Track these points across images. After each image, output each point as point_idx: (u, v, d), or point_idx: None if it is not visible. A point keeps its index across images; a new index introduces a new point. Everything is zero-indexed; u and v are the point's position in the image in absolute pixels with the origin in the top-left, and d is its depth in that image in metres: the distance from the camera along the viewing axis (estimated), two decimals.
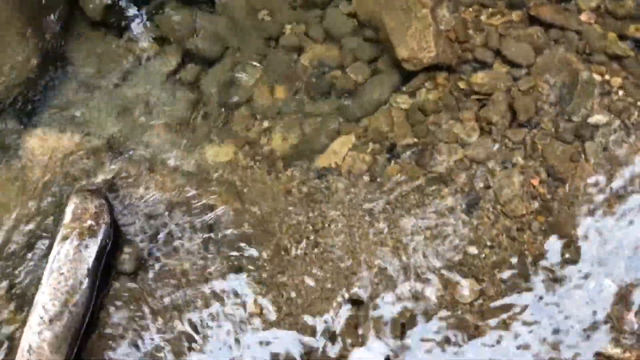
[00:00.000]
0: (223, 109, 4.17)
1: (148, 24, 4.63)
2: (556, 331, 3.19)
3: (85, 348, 3.33)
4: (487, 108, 3.87)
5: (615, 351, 3.07)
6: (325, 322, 3.35)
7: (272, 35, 4.45)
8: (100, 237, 3.39)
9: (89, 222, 3.40)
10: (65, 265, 3.22)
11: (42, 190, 3.78)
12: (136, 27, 4.63)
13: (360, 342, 3.28)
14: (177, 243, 3.64)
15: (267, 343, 3.32)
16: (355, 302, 3.40)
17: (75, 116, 4.21)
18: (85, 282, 3.25)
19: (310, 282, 3.47)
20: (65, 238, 3.32)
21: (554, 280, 3.33)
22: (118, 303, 3.46)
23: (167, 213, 3.74)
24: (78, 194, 3.59)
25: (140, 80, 4.36)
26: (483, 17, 4.25)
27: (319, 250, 3.58)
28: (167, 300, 3.45)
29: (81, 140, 4.04)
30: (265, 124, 4.08)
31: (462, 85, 3.99)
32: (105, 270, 3.51)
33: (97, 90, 4.32)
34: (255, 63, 4.32)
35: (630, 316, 3.16)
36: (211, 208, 3.75)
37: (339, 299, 3.41)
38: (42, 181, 3.81)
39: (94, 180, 3.87)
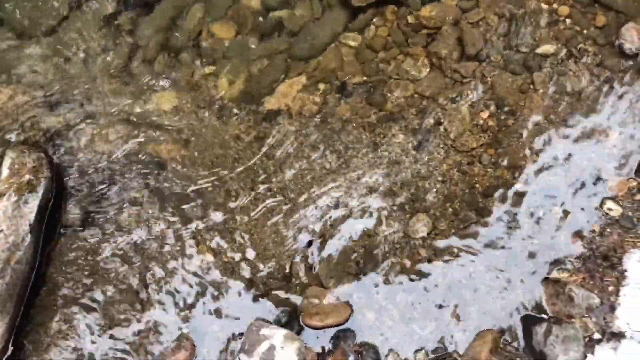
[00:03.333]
0: (165, 54, 3.99)
1: None
2: (506, 259, 3.25)
3: (34, 305, 3.25)
4: (436, 42, 3.81)
5: (563, 275, 3.15)
6: (282, 264, 3.34)
7: None
8: (40, 191, 3.26)
9: (27, 176, 3.25)
10: (4, 222, 3.09)
11: None
12: None
13: (317, 281, 3.28)
14: (124, 194, 3.53)
15: (222, 290, 3.29)
16: (310, 243, 3.38)
17: (10, 67, 3.98)
18: (28, 238, 3.14)
19: (263, 226, 3.43)
20: (1, 195, 3.18)
21: (504, 210, 3.37)
22: (66, 258, 3.36)
23: (111, 164, 3.62)
24: (15, 149, 3.43)
25: (76, 27, 4.13)
26: None
27: (271, 194, 3.52)
28: (116, 252, 3.37)
29: (16, 92, 3.83)
30: (211, 67, 3.93)
31: (410, 19, 3.90)
32: (50, 225, 3.40)
33: (32, 39, 4.08)
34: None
35: (577, 241, 3.24)
36: (158, 157, 3.63)
37: (294, 241, 3.39)
38: None
39: (31, 134, 3.69)
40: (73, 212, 3.44)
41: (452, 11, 3.87)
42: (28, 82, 3.91)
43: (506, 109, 3.61)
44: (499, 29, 3.81)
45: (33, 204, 3.20)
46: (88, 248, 3.39)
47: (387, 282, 3.27)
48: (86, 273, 3.33)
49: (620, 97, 3.56)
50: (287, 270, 3.32)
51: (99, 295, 3.27)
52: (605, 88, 3.60)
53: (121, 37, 4.08)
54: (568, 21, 3.78)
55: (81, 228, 3.43)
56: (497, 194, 3.41)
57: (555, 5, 3.82)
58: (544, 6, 3.82)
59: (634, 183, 3.32)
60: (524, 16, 3.80)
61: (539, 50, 3.71)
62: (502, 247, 3.29)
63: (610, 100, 3.57)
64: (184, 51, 4.01)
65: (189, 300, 3.26)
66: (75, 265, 3.34)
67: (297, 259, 3.35)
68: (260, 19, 4.09)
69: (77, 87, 3.90)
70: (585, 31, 3.73)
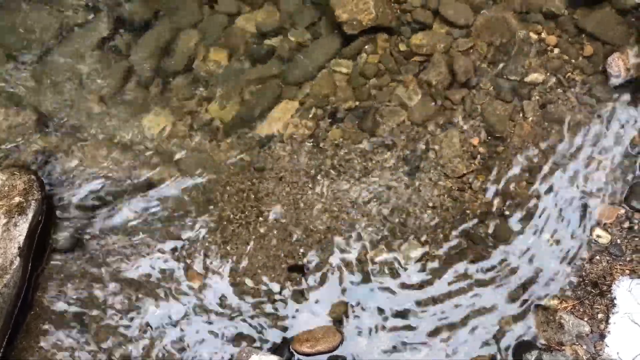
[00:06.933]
0: (159, 77, 4.01)
1: None
2: (498, 285, 3.26)
3: (20, 329, 3.20)
4: (427, 70, 3.86)
5: (553, 302, 3.16)
6: (271, 289, 3.32)
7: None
8: (30, 214, 3.24)
9: (18, 199, 3.23)
10: None
11: None
12: None
13: (308, 306, 3.27)
14: (114, 217, 3.51)
15: (212, 316, 3.27)
16: (301, 268, 3.37)
17: (2, 88, 3.98)
18: (17, 261, 3.11)
19: (254, 251, 3.43)
20: None
21: (495, 237, 3.39)
22: (54, 281, 3.33)
23: (103, 187, 3.61)
24: (5, 171, 3.41)
25: (70, 49, 4.14)
26: None
27: (262, 218, 3.52)
28: (105, 277, 3.34)
29: (8, 114, 3.83)
30: (204, 91, 3.96)
31: (402, 47, 3.96)
32: (39, 248, 3.37)
33: (25, 60, 4.09)
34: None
35: (567, 268, 3.25)
36: (149, 180, 3.63)
37: (284, 266, 3.38)
38: None
39: (23, 155, 3.68)
40: (62, 235, 3.42)
41: (443, 39, 3.93)
42: (20, 104, 3.91)
43: (496, 135, 3.65)
44: (488, 57, 3.88)
45: (22, 226, 3.18)
46: (77, 272, 3.36)
47: (378, 308, 3.25)
48: (74, 297, 3.29)
49: (608, 125, 3.62)
50: (278, 295, 3.30)
51: (87, 321, 3.23)
52: (593, 116, 3.66)
53: (115, 60, 4.10)
54: (556, 50, 3.85)
55: (70, 251, 3.40)
56: (487, 221, 3.42)
57: (543, 35, 3.90)
58: (533, 36, 3.90)
59: (623, 211, 3.35)
60: (514, 45, 3.87)
61: (528, 79, 3.77)
62: (493, 274, 3.29)
63: (598, 128, 3.62)
64: (178, 75, 4.03)
65: (179, 326, 3.23)
66: (64, 289, 3.30)
67: (289, 283, 3.33)
68: (254, 44, 4.13)
69: (69, 109, 3.91)
70: (573, 60, 3.80)
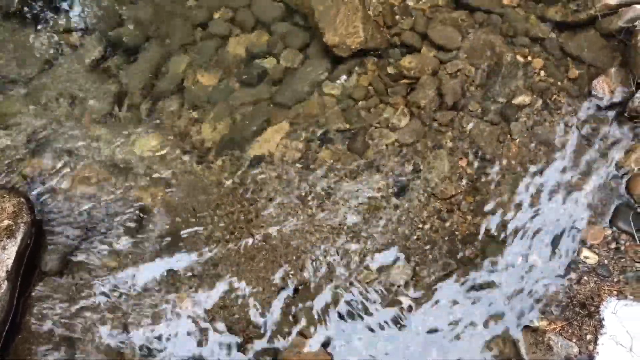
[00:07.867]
0: (150, 99, 4.04)
1: (68, 13, 4.44)
2: (487, 307, 3.27)
3: (7, 354, 3.17)
4: (416, 92, 3.91)
5: (542, 323, 3.17)
6: (262, 312, 3.31)
7: (200, 23, 4.35)
8: (19, 237, 3.23)
9: (7, 222, 3.23)
10: None
11: None
12: (55, 17, 4.43)
13: (298, 329, 3.26)
14: (104, 240, 3.51)
15: (202, 339, 3.25)
16: (291, 290, 3.37)
17: None
18: (5, 285, 3.09)
19: (244, 272, 3.42)
20: None
21: (483, 258, 3.40)
22: (43, 305, 3.31)
23: (93, 210, 3.61)
24: None
25: (62, 71, 4.18)
26: (410, 2, 4.28)
27: (252, 240, 3.53)
28: (94, 300, 3.33)
29: None
30: (195, 113, 3.98)
31: (390, 69, 4.01)
32: (28, 271, 3.36)
33: (15, 82, 4.12)
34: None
35: (555, 289, 3.27)
36: (139, 202, 3.63)
37: (275, 288, 3.38)
38: None
39: (12, 178, 3.68)
40: (52, 258, 3.41)
41: (431, 62, 3.99)
42: (11, 126, 3.92)
43: (484, 157, 3.69)
44: (476, 80, 3.93)
45: (11, 250, 3.17)
46: (66, 296, 3.34)
47: (367, 330, 3.25)
48: (63, 322, 3.27)
49: (594, 146, 3.66)
50: (267, 318, 3.29)
51: (76, 346, 3.21)
52: (580, 138, 3.70)
53: (106, 82, 4.13)
54: (542, 73, 3.91)
55: (60, 275, 3.39)
56: (476, 242, 3.44)
57: (530, 58, 3.96)
58: (520, 59, 3.96)
59: (609, 232, 3.38)
60: (501, 68, 3.93)
61: (515, 101, 3.82)
62: (482, 295, 3.30)
63: (584, 149, 3.66)
64: (169, 97, 4.07)
65: (169, 350, 3.21)
66: (53, 313, 3.28)
67: (278, 306, 3.33)
68: (245, 66, 4.17)
69: (60, 131, 3.92)
70: (559, 83, 3.86)
